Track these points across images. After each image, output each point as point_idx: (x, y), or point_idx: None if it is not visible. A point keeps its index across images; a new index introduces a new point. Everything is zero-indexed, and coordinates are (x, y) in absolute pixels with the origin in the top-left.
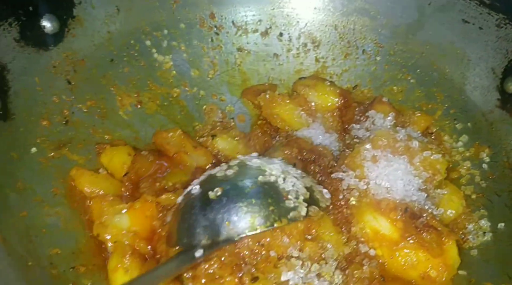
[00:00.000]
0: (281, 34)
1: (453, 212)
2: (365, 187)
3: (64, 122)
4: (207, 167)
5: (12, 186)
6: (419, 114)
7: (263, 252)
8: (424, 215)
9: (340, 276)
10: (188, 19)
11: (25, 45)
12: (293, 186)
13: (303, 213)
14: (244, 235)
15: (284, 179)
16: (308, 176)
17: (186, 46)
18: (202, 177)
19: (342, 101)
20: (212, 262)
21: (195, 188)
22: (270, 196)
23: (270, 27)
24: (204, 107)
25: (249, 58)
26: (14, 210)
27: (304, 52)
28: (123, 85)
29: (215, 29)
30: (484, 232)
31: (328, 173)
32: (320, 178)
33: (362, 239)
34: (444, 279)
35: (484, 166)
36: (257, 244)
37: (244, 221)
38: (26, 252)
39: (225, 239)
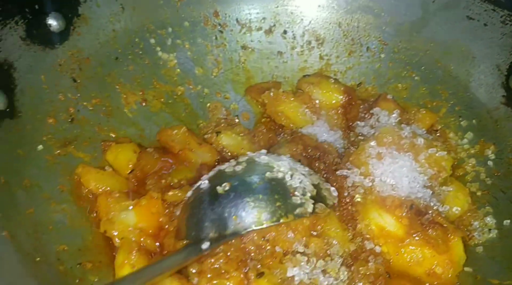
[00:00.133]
0: (285, 32)
1: (459, 209)
2: (370, 184)
3: (69, 120)
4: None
5: (19, 183)
6: (424, 112)
7: (268, 247)
8: (430, 212)
9: (346, 273)
10: (192, 17)
11: (31, 43)
12: (300, 183)
13: (310, 209)
14: (250, 229)
15: (291, 175)
16: (316, 173)
17: (190, 44)
18: (211, 173)
19: (347, 98)
20: (218, 257)
21: (204, 183)
22: (277, 192)
23: (274, 25)
24: (208, 105)
25: (253, 56)
26: (22, 207)
27: (308, 49)
28: (128, 83)
29: (219, 27)
30: (490, 229)
31: (333, 170)
32: (325, 175)
33: (368, 236)
34: (449, 275)
35: (490, 163)
36: (263, 239)
37: (251, 216)
38: (33, 248)
39: (232, 233)
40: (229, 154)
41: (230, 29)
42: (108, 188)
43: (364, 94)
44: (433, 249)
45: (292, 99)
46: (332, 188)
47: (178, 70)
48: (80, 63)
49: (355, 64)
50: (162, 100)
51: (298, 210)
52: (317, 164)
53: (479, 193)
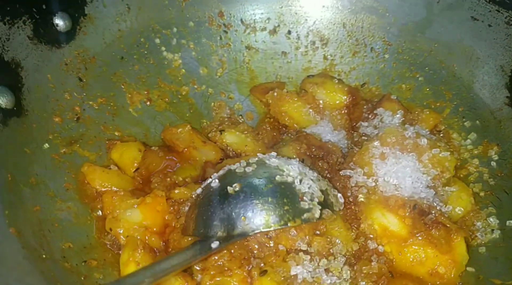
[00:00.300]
0: (289, 32)
1: (462, 209)
2: (373, 184)
3: (75, 119)
4: (221, 160)
5: (26, 181)
6: (427, 112)
7: (271, 244)
8: (433, 212)
9: (349, 272)
10: (197, 17)
11: (38, 43)
12: (309, 188)
13: (317, 215)
14: (258, 231)
15: (300, 180)
16: (324, 179)
17: (195, 44)
18: (221, 172)
19: (350, 99)
20: (222, 254)
21: (214, 181)
22: (286, 196)
23: (279, 25)
24: (213, 104)
25: (257, 56)
26: (28, 205)
27: (312, 50)
28: (133, 83)
29: (224, 27)
30: (493, 230)
31: (336, 170)
32: (328, 175)
33: (371, 235)
34: (452, 275)
35: (493, 164)
36: (266, 236)
37: (259, 218)
38: (39, 245)
39: (240, 233)
40: (233, 152)
41: (235, 29)
42: (113, 187)
43: (368, 94)
44: (436, 249)
45: (296, 99)
46: (339, 195)
47: (183, 70)
48: (86, 62)
49: (359, 64)
50: (167, 99)
51: (305, 215)
52: (320, 164)
53: (482, 194)
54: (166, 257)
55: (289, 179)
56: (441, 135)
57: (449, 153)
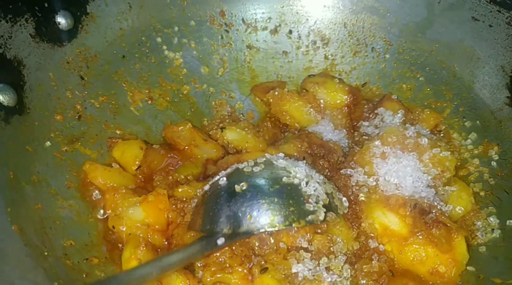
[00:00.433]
0: (290, 32)
1: (462, 209)
2: (374, 183)
3: (77, 117)
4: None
5: (28, 179)
6: (428, 112)
7: (272, 240)
8: (433, 211)
9: (349, 270)
10: (199, 17)
11: (40, 41)
12: (314, 190)
13: (321, 217)
14: (263, 230)
15: (307, 183)
16: (330, 182)
17: (196, 43)
18: (229, 170)
19: (351, 98)
20: (224, 251)
21: (222, 179)
22: (292, 197)
23: (280, 25)
24: (213, 102)
25: (258, 56)
26: (30, 202)
27: (313, 49)
28: (134, 81)
29: (225, 26)
30: (493, 229)
31: (337, 168)
32: (328, 174)
33: (372, 234)
34: (452, 274)
35: (493, 163)
36: (267, 233)
37: (265, 217)
38: (41, 243)
39: (245, 232)
40: (234, 149)
41: (236, 28)
42: (115, 185)
43: (368, 94)
44: (436, 248)
45: (297, 98)
46: (344, 199)
47: (184, 69)
48: (87, 61)
49: (360, 64)
50: (168, 98)
51: (310, 217)
52: (321, 162)
53: (482, 193)
54: (172, 251)
55: (296, 181)
56: (442, 135)
57: (449, 152)
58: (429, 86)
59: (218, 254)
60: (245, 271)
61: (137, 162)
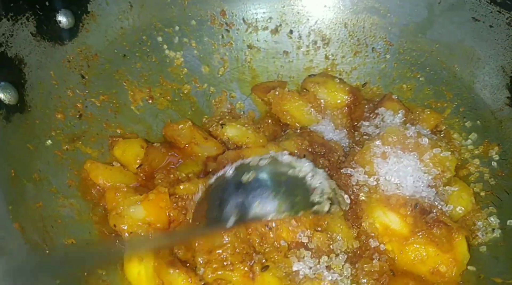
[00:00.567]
0: (291, 32)
1: (463, 209)
2: (374, 183)
3: (78, 115)
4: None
5: (29, 177)
6: (428, 112)
7: (272, 235)
8: (434, 211)
9: (349, 269)
10: (199, 16)
11: (41, 40)
12: (320, 183)
13: (326, 209)
14: (270, 216)
15: (312, 176)
16: (332, 180)
17: (197, 42)
18: (235, 164)
19: (352, 98)
20: (225, 248)
21: (228, 172)
22: (298, 187)
23: (280, 25)
24: (213, 100)
25: (259, 55)
26: (31, 200)
27: (314, 49)
28: (135, 80)
29: (226, 26)
30: (493, 229)
31: (337, 168)
32: (328, 173)
33: (372, 234)
34: (453, 274)
35: (494, 164)
36: (267, 227)
37: (272, 204)
38: (43, 241)
39: (253, 217)
40: (234, 145)
41: (237, 28)
42: (116, 183)
43: (369, 94)
44: (437, 247)
45: (298, 98)
46: (346, 196)
47: (185, 68)
48: (88, 59)
49: (360, 64)
50: (169, 98)
51: (316, 207)
52: (322, 161)
53: (482, 194)
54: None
55: (301, 174)
56: (442, 135)
57: (450, 152)
58: (429, 86)
59: (220, 251)
60: (246, 268)
61: (138, 161)
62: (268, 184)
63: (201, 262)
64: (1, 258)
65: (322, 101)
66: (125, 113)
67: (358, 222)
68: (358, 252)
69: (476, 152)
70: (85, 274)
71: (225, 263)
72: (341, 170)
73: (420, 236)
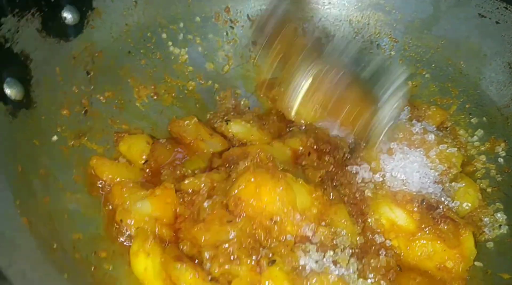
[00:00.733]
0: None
1: (469, 205)
2: (381, 179)
3: (83, 112)
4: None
5: (35, 173)
6: (434, 109)
7: (276, 229)
8: (441, 206)
9: (355, 264)
10: (204, 13)
11: (46, 36)
12: None
13: None
14: None
15: None
16: None
17: (202, 39)
18: None
19: None
20: (232, 243)
21: None
22: None
23: None
24: (217, 96)
25: (263, 52)
26: (38, 196)
27: None
28: (140, 77)
29: (230, 23)
30: (500, 225)
31: (342, 165)
32: (333, 170)
33: (378, 230)
34: (460, 270)
35: (500, 160)
36: (271, 221)
37: None
38: (50, 236)
39: None
40: (239, 142)
41: (241, 25)
42: (122, 179)
43: None
44: (444, 243)
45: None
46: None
47: (189, 65)
48: (93, 56)
49: None
50: (174, 94)
51: None
52: (327, 158)
53: (489, 190)
54: None
55: None
56: (448, 131)
57: (456, 149)
58: (435, 83)
59: (227, 245)
60: (253, 263)
61: (144, 157)
62: None
63: (208, 257)
64: (9, 252)
65: None
66: (130, 110)
67: (363, 218)
68: (365, 247)
69: (483, 148)
70: (92, 269)
71: (232, 258)
72: (347, 168)
73: (427, 232)
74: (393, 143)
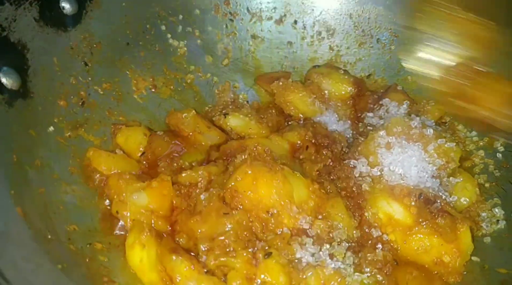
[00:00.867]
0: (295, 22)
1: (467, 199)
2: (378, 173)
3: (80, 103)
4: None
5: (31, 163)
6: (433, 103)
7: (273, 221)
8: (438, 201)
9: (352, 258)
10: (203, 5)
11: (44, 25)
12: None
13: None
14: None
15: None
16: None
17: (201, 32)
18: None
19: (356, 89)
20: (228, 235)
21: None
22: None
23: (285, 15)
24: (216, 90)
25: (263, 46)
26: (33, 186)
27: (318, 40)
28: (138, 69)
29: (230, 15)
30: (498, 220)
31: (340, 159)
32: (331, 164)
33: (375, 224)
34: (457, 264)
35: (499, 155)
36: (268, 214)
37: None
38: (45, 227)
39: None
40: (237, 135)
41: (241, 18)
42: (119, 171)
43: (373, 85)
44: (441, 237)
45: (301, 89)
46: None
47: (188, 57)
48: (91, 47)
49: (365, 55)
50: (172, 87)
51: None
52: (325, 152)
53: (487, 185)
54: None
55: None
56: (447, 126)
57: (454, 143)
58: None
59: (223, 237)
60: (249, 255)
61: (141, 149)
62: None
63: (204, 249)
64: (3, 243)
65: (326, 92)
66: (128, 102)
67: (360, 212)
68: (361, 241)
69: (481, 143)
70: (87, 260)
71: (227, 250)
72: (344, 161)
73: (424, 226)
74: (391, 137)
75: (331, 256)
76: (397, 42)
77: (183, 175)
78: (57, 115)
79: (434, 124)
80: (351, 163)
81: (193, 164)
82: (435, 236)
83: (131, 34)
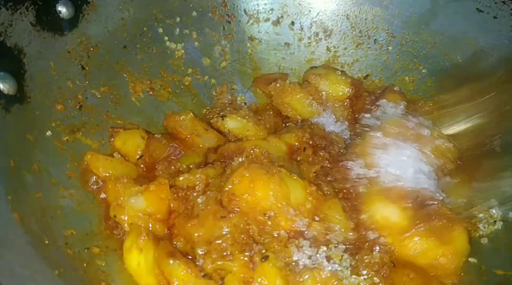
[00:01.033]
0: (292, 23)
1: (464, 200)
2: (375, 174)
3: (78, 107)
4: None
5: (28, 168)
6: (430, 104)
7: (270, 222)
8: (435, 202)
9: (349, 260)
10: (201, 7)
11: (41, 30)
12: None
13: None
14: None
15: None
16: None
17: (198, 34)
18: None
19: (353, 90)
20: (225, 238)
21: None
22: None
23: (282, 16)
24: (214, 91)
25: (260, 47)
26: (30, 191)
27: (316, 41)
28: (135, 72)
29: (227, 17)
30: (495, 221)
31: (337, 160)
32: (328, 165)
33: (372, 226)
34: (454, 266)
35: None
36: (265, 216)
37: None
38: (42, 231)
39: None
40: (235, 137)
41: (238, 19)
42: (117, 174)
43: (371, 86)
44: (437, 239)
45: (299, 90)
46: None
47: (186, 60)
48: (88, 50)
49: (362, 56)
50: (170, 89)
51: None
52: (322, 154)
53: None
54: None
55: None
56: None
57: (452, 144)
58: (431, 78)
59: (220, 241)
60: (246, 258)
61: (139, 152)
62: None
63: (201, 253)
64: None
65: (323, 93)
66: (126, 105)
67: (357, 214)
68: (358, 244)
69: None
70: (84, 265)
71: (224, 254)
72: (342, 163)
73: (421, 228)
74: (388, 138)
75: (328, 258)
76: (395, 43)
77: (181, 178)
78: (54, 119)
79: (431, 124)
80: (348, 164)
81: (191, 166)
82: (432, 238)
83: (128, 37)
